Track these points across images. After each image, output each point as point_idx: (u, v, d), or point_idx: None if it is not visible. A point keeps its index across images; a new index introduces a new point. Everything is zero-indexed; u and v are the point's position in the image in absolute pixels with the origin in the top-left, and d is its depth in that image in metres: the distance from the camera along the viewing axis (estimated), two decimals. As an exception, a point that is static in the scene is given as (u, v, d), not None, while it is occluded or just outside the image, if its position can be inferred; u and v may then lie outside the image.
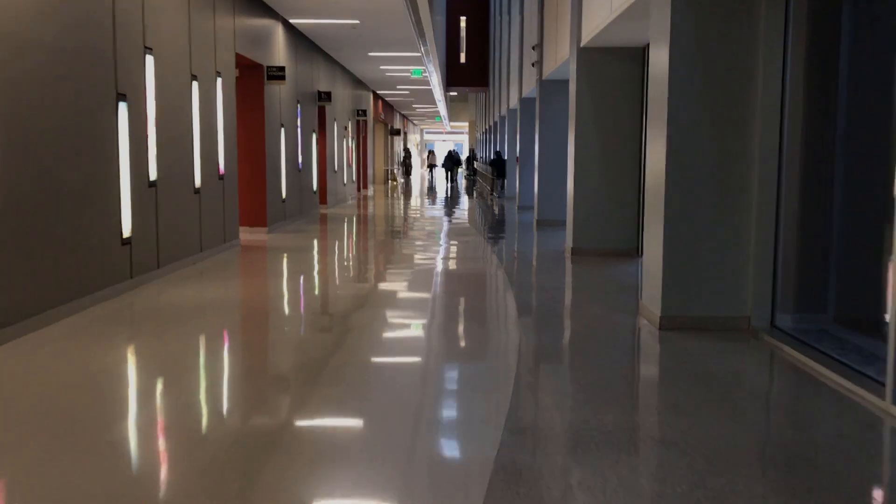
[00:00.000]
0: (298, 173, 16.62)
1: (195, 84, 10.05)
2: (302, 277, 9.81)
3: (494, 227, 17.24)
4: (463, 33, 37.55)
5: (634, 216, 11.14)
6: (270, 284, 9.22)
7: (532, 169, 19.74)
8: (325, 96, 18.73)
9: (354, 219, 18.36)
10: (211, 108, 10.78)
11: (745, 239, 6.42)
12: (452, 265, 10.90)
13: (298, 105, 16.50)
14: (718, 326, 6.46)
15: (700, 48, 6.39)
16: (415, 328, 6.74)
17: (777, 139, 6.26)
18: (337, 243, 13.80)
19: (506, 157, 25.51)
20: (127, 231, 7.99)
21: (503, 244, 13.44)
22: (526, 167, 20.30)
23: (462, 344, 6.33)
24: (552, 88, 15.73)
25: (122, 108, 7.85)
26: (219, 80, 11.07)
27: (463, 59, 37.64)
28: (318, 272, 10.27)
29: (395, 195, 29.16)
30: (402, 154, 47.72)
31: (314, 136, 18.45)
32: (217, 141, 11.06)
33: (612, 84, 11.07)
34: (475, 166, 44.64)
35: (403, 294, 8.49)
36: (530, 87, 18.16)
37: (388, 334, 6.53)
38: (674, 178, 6.43)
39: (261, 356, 6.02)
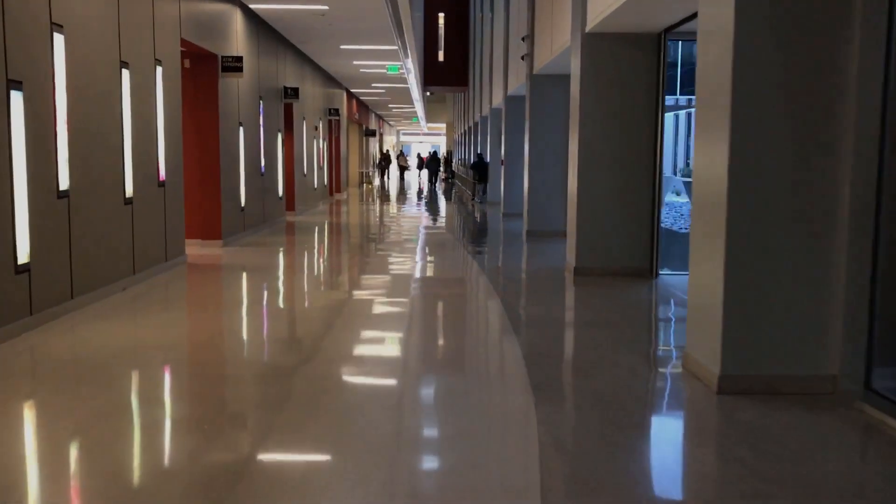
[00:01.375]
0: (261, 178, 14.89)
1: (126, 73, 8.33)
2: (255, 309, 8.11)
3: (479, 238, 15.60)
4: (441, 31, 35.93)
5: (648, 230, 9.55)
6: (216, 319, 7.51)
7: (520, 173, 18.16)
8: (292, 93, 17.01)
9: (324, 228, 16.65)
10: (148, 103, 9.06)
11: (833, 274, 4.83)
12: (435, 289, 9.26)
13: (261, 102, 14.77)
14: (795, 389, 4.87)
15: (777, 25, 4.79)
16: (385, 408, 5.11)
17: (877, 151, 4.66)
18: (300, 260, 12.10)
19: (488, 160, 23.92)
20: (24, 256, 6.26)
21: (492, 261, 11.81)
22: (512, 171, 18.70)
23: (451, 459, 3.94)
24: (545, 83, 14.14)
25: (16, 98, 6.13)
26: (158, 70, 9.34)
27: (441, 57, 36.02)
28: (277, 298, 8.59)
29: (371, 199, 27.46)
30: (378, 156, 46.01)
31: (280, 137, 16.73)
32: (157, 141, 9.33)
33: (623, 75, 9.48)
34: (453, 168, 43.01)
35: (379, 338, 6.86)
36: (518, 84, 16.57)
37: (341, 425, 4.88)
38: (740, 195, 4.82)
39: (192, 450, 4.34)
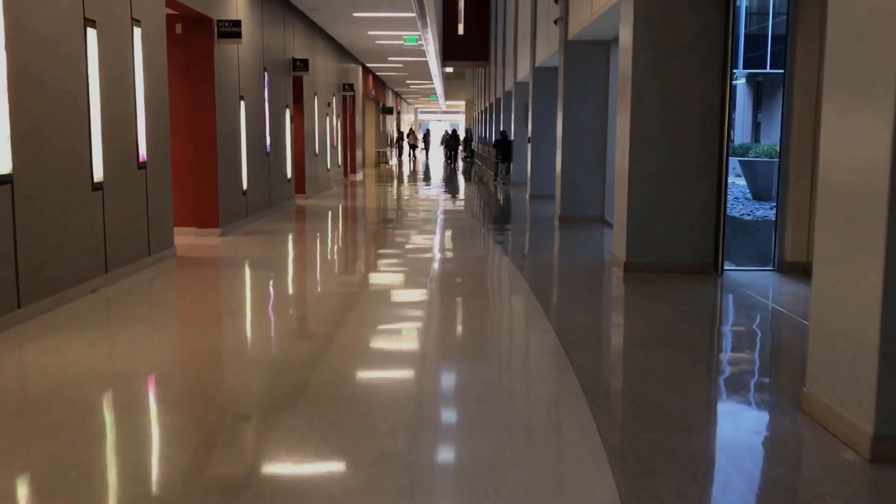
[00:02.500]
0: (266, 158, 13.53)
1: (92, 34, 6.96)
2: (252, 319, 6.76)
3: (506, 225, 14.18)
4: (461, 2, 34.31)
5: (712, 220, 8.11)
6: (201, 332, 6.15)
7: (549, 152, 16.72)
8: (302, 65, 15.61)
9: (335, 213, 15.28)
10: (123, 71, 7.70)
11: None
12: (461, 294, 7.89)
13: (266, 74, 13.39)
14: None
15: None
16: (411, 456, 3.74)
17: None
18: (305, 252, 10.74)
19: (512, 138, 22.43)
20: (-55, 258, 4.95)
21: (524, 253, 10.40)
22: (540, 150, 17.23)
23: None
24: (582, 51, 12.64)
25: (-71, 57, 4.78)
26: (136, 32, 7.97)
27: (461, 30, 34.42)
28: (278, 302, 7.24)
29: (388, 180, 26.06)
30: (396, 135, 44.54)
31: (288, 113, 15.34)
32: (135, 116, 7.98)
33: (686, 38, 8.00)
34: (473, 147, 41.49)
35: (403, 353, 5.51)
36: (548, 52, 15.07)
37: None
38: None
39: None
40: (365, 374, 4.79)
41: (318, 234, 12.29)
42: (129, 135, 7.82)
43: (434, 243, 10.79)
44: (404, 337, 5.72)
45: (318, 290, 7.77)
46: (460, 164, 39.26)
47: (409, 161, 42.33)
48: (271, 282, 8.08)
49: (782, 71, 8.22)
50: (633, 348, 5.43)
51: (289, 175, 15.37)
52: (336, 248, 10.88)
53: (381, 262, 9.39)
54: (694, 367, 4.99)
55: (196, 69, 10.53)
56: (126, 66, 7.75)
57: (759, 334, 5.96)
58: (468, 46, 34.57)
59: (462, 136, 52.30)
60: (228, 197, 11.22)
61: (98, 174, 7.08)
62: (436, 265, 8.98)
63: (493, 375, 4.81)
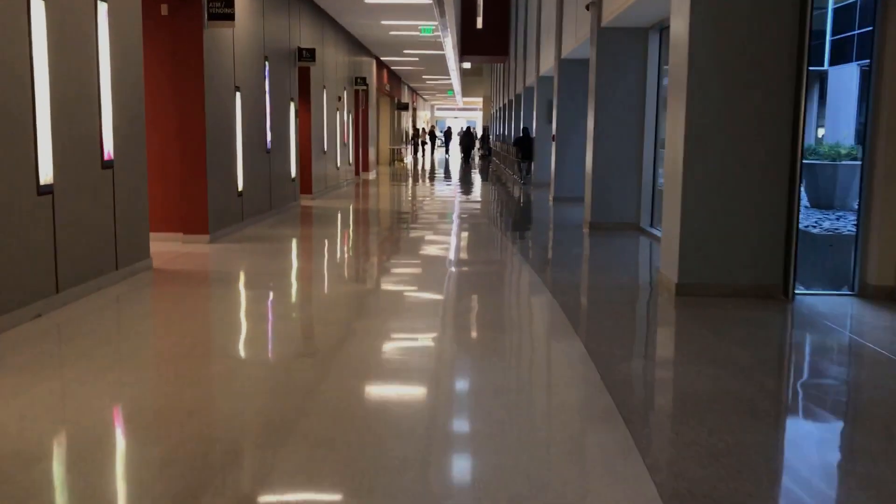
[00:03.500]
0: (266, 156, 12.32)
1: (38, 6, 5.74)
2: (237, 360, 5.53)
3: (530, 231, 12.92)
4: (480, -6, 33.04)
5: (781, 235, 6.80)
6: (161, 381, 4.92)
7: (575, 151, 15.44)
8: (308, 55, 14.38)
9: (341, 217, 14.04)
10: (82, 53, 6.48)
11: None
12: (488, 322, 6.64)
13: (266, 63, 12.17)
14: None
15: None
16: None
17: None
18: (305, 263, 9.51)
19: (533, 136, 21.12)
20: None
21: (554, 269, 9.10)
22: (565, 148, 15.94)
23: None
24: (616, 39, 11.33)
25: None
26: (101, 9, 6.75)
27: (480, 24, 33.11)
28: (272, 339, 6.01)
29: (402, 179, 24.82)
30: (411, 132, 43.32)
31: (293, 107, 14.12)
32: (99, 107, 6.76)
33: (754, 25, 6.69)
34: (490, 145, 40.16)
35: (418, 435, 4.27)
36: (576, 43, 13.77)
37: None
38: None
39: None
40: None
41: (319, 242, 11.05)
42: (89, 129, 6.60)
43: (449, 255, 9.53)
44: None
45: (315, 313, 6.54)
46: (477, 161, 37.98)
47: (423, 158, 41.05)
48: (261, 307, 6.85)
49: (854, 63, 6.89)
50: (714, 414, 4.13)
51: (293, 174, 14.16)
52: (337, 258, 9.64)
53: (387, 281, 8.14)
54: (806, 444, 3.71)
55: (183, 55, 9.32)
56: (86, 48, 6.53)
57: (874, 390, 4.66)
58: (487, 40, 33.26)
59: (479, 133, 51.11)
60: (220, 199, 10.00)
61: (46, 175, 5.86)
62: (452, 288, 7.72)
63: (535, 466, 3.53)
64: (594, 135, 11.57)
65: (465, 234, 11.79)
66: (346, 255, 9.76)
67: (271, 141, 12.51)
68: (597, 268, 8.84)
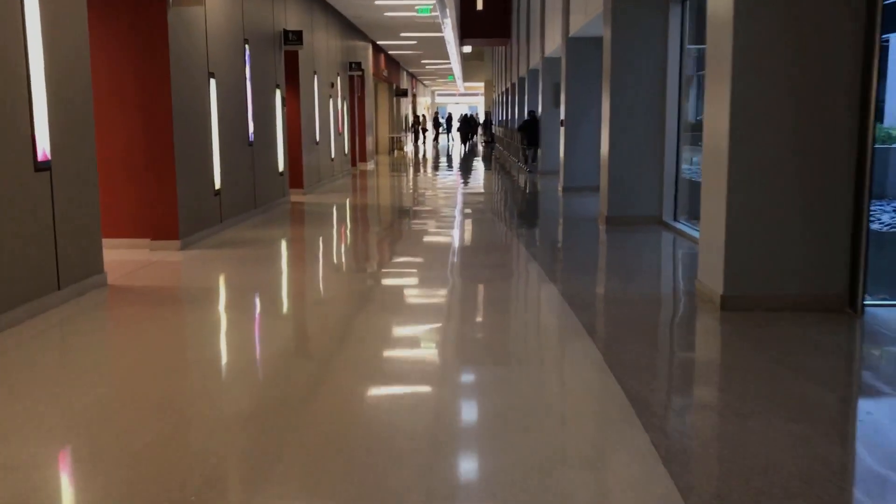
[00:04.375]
0: (249, 149, 11.21)
1: (-63, -29, 4.63)
2: (189, 418, 4.42)
3: (540, 227, 11.83)
4: (480, -26, 31.78)
5: (846, 237, 5.69)
6: (91, 454, 3.84)
7: (587, 137, 14.35)
8: (295, 37, 13.24)
9: (332, 214, 12.94)
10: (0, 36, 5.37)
11: None
12: (502, 353, 5.56)
13: (247, 47, 11.03)
14: None
15: None
16: None
17: None
18: (289, 273, 8.40)
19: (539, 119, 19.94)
20: None
21: (572, 276, 7.98)
22: (575, 134, 14.81)
23: None
24: (634, 14, 10.15)
25: None
26: (28, -23, 5.64)
27: (480, 5, 31.88)
28: (242, 387, 4.92)
29: (401, 169, 23.69)
30: (411, 119, 42.10)
31: (279, 95, 13.00)
32: (29, 98, 5.65)
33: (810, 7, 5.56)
34: (493, 131, 38.95)
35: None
36: (586, 19, 12.61)
37: None
38: None
39: None
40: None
41: (305, 246, 9.95)
42: (14, 123, 5.49)
43: (450, 260, 8.43)
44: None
45: (298, 344, 5.45)
46: (479, 148, 36.85)
47: (423, 146, 39.85)
48: (234, 335, 5.75)
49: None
50: (796, 482, 3.04)
51: (281, 168, 13.05)
52: (322, 266, 8.55)
53: (380, 297, 7.05)
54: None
55: (146, 38, 8.20)
56: (6, 30, 5.42)
57: None
58: (488, 23, 31.99)
59: (481, 119, 49.92)
60: (192, 199, 8.91)
61: (-48, 183, 4.77)
62: (456, 307, 6.62)
63: None
64: (610, 119, 10.43)
65: (468, 234, 10.67)
66: (333, 261, 8.66)
67: (254, 132, 11.40)
68: (620, 273, 7.68)
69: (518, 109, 27.90)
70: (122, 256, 7.90)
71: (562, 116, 15.22)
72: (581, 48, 14.46)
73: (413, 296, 6.68)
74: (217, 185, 9.72)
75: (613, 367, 4.49)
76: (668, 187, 10.28)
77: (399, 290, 6.96)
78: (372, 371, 4.58)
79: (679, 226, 9.92)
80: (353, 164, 21.47)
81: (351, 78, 20.90)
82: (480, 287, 6.99)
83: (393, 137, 32.79)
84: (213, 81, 9.56)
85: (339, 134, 18.69)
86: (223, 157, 9.91)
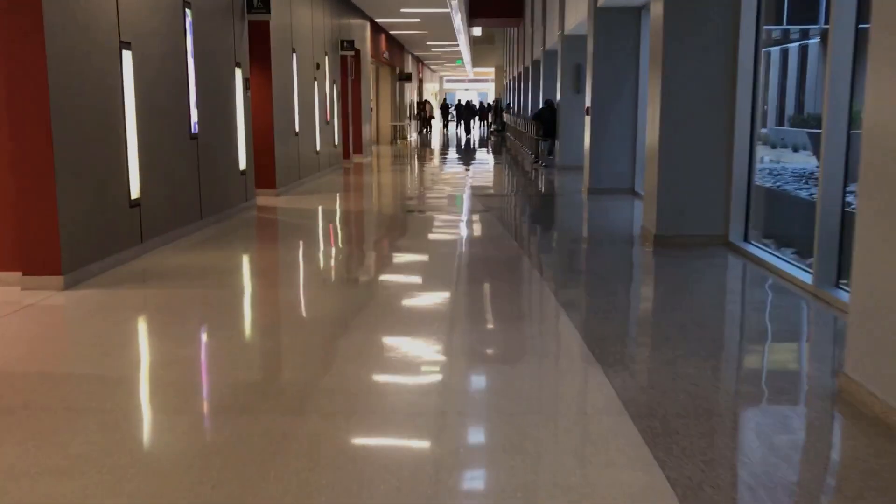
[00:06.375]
0: (191, 143, 8.72)
1: None
2: None
3: (567, 251, 9.34)
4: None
5: None
6: None
7: (621, 127, 11.91)
8: (261, 4, 10.72)
9: (303, 225, 10.44)
10: None
11: None
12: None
13: (187, 12, 8.52)
14: None
15: None
16: None
17: None
18: (223, 335, 5.85)
19: (556, 107, 17.38)
20: None
21: (624, 348, 5.40)
22: (604, 124, 12.30)
23: None
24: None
25: None
26: None
27: (490, -20, 29.31)
28: None
29: (401, 162, 21.16)
30: (416, 106, 39.49)
31: (239, 75, 10.49)
32: None
33: None
34: (504, 119, 36.30)
35: None
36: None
37: None
38: None
39: None
40: None
41: (257, 279, 7.47)
42: None
43: (449, 314, 5.94)
44: None
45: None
46: (475, 133, 34.23)
47: (429, 135, 37.23)
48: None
49: None
50: None
51: (242, 165, 10.55)
52: (270, 318, 6.07)
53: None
54: None
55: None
56: None
57: None
58: (498, 1, 29.43)
59: (488, 105, 47.36)
60: (87, 215, 6.43)
61: None
62: (447, 458, 4.13)
63: None
64: (661, 110, 7.87)
65: (472, 267, 8.17)
66: (285, 310, 6.18)
67: (200, 121, 8.91)
68: (702, 342, 5.04)
69: (532, 96, 25.31)
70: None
71: (587, 103, 12.68)
72: (613, 21, 11.95)
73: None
74: (134, 194, 7.23)
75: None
76: (738, 198, 7.74)
77: (383, 375, 4.46)
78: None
79: (751, 249, 7.42)
80: (347, 156, 18.96)
81: (343, 59, 18.37)
82: (485, 391, 4.48)
83: (395, 126, 30.23)
84: (127, 55, 7.06)
85: (326, 123, 16.18)
86: (146, 155, 7.43)
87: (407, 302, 5.99)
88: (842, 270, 5.71)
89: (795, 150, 12.01)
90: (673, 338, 4.93)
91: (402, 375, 4.29)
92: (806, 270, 6.19)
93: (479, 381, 4.29)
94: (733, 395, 4.03)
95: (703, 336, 5.02)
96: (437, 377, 4.28)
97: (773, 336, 5.17)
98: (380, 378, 4.28)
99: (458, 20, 22.57)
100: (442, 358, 4.57)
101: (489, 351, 4.80)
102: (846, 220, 5.68)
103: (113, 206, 6.85)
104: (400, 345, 4.85)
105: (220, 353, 4.79)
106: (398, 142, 29.56)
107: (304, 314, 5.83)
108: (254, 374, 4.39)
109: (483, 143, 31.60)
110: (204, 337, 5.16)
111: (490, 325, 5.40)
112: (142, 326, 5.41)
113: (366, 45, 21.07)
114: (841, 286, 5.69)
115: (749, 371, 4.53)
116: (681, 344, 4.77)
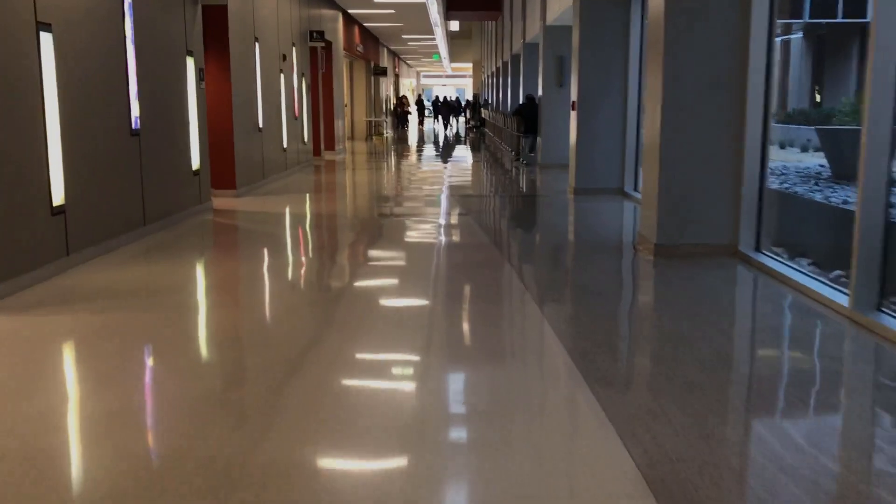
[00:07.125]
0: (132, 140, 7.71)
1: None
2: None
3: (558, 262, 8.45)
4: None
5: None
6: None
7: (610, 123, 11.05)
8: (215, -13, 9.73)
9: (264, 233, 9.46)
10: None
11: None
12: None
13: (126, -9, 7.51)
14: None
15: None
16: None
17: None
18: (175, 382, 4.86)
19: (538, 103, 16.47)
20: None
21: (636, 397, 4.50)
22: (592, 119, 11.43)
23: None
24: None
25: None
26: None
27: (467, -28, 28.34)
28: None
29: (374, 159, 20.19)
30: (394, 102, 38.47)
31: (191, 65, 9.48)
32: None
33: None
34: (483, 116, 35.37)
35: None
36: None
37: None
38: None
39: None
40: None
41: (206, 298, 6.49)
42: None
43: (428, 343, 5.02)
44: None
45: None
46: (452, 130, 33.31)
47: (406, 131, 36.22)
48: None
49: None
50: None
51: (195, 164, 9.55)
52: (219, 347, 5.11)
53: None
54: None
55: None
56: None
57: None
58: (477, -6, 28.47)
59: (465, 101, 46.46)
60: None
61: None
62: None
63: None
64: (663, 105, 6.97)
65: (450, 282, 7.24)
66: (242, 331, 5.22)
67: (142, 116, 7.90)
68: (739, 396, 4.20)
69: (511, 91, 24.42)
70: None
71: (572, 98, 11.79)
72: (600, 8, 11.05)
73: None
74: (57, 200, 6.22)
75: None
76: (749, 202, 6.86)
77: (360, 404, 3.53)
78: None
79: (765, 260, 6.55)
80: (317, 153, 17.95)
81: (313, 50, 17.36)
82: (469, 461, 3.56)
83: (371, 121, 29.21)
84: (46, 37, 6.05)
85: (295, 118, 15.17)
86: (73, 154, 6.42)
87: (373, 338, 5.05)
88: (885, 291, 4.84)
89: (782, 146, 11.22)
90: (699, 385, 4.01)
91: (363, 460, 3.35)
92: (841, 291, 5.30)
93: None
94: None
95: (739, 388, 4.10)
96: (403, 462, 3.34)
97: (840, 393, 4.28)
98: (332, 458, 3.34)
99: (435, 11, 21.60)
100: (413, 435, 3.63)
101: (467, 408, 3.86)
102: (890, 232, 4.82)
103: (28, 213, 5.85)
104: (362, 404, 3.90)
105: (139, 411, 3.82)
106: (373, 138, 28.56)
107: (253, 353, 4.86)
108: (172, 440, 3.42)
109: (461, 139, 30.68)
110: (126, 382, 4.17)
111: (471, 370, 4.47)
112: (53, 364, 4.43)
113: (338, 37, 20.06)
114: (883, 310, 4.82)
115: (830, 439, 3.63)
116: (713, 390, 3.85)
